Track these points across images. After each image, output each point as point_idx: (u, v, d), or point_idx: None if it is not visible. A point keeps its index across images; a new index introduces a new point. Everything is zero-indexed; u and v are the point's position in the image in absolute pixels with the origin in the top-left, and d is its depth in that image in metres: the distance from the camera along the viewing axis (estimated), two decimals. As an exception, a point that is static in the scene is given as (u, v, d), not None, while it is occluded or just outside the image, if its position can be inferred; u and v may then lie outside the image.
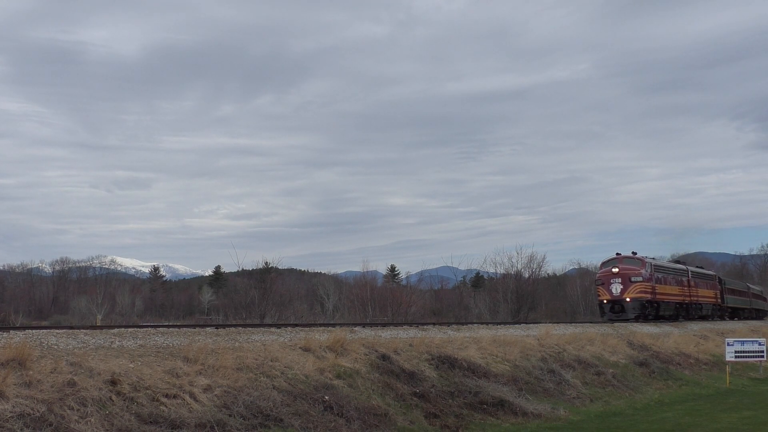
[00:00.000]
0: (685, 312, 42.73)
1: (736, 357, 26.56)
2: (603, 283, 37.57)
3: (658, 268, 39.52)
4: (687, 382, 24.82)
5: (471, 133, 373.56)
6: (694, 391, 23.23)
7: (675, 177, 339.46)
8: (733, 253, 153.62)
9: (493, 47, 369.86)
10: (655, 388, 22.81)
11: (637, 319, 36.00)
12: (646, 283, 36.85)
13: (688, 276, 44.31)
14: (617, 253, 38.76)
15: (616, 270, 37.12)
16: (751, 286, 68.28)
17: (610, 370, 22.72)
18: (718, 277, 53.84)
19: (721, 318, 51.37)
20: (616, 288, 36.65)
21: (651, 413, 18.00)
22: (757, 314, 65.32)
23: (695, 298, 44.84)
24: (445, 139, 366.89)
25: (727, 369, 26.22)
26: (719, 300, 50.82)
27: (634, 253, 38.71)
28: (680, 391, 22.97)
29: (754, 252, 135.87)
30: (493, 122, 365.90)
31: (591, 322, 35.04)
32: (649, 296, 37.10)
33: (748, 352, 26.61)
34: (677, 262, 47.05)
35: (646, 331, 33.54)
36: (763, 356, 26.59)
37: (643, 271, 37.19)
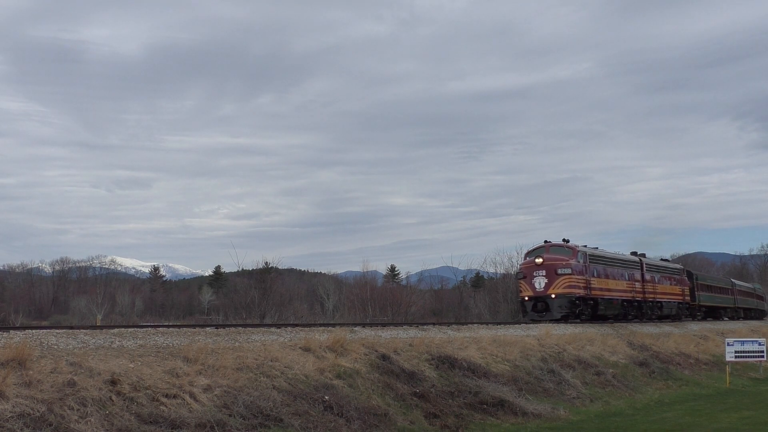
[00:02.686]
0: (637, 311, 37.38)
1: (736, 357, 26.58)
2: (525, 277, 31.77)
3: (595, 258, 33.70)
4: (687, 382, 24.83)
5: (472, 133, 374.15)
6: (694, 391, 23.23)
7: (677, 177, 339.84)
8: (733, 253, 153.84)
9: (496, 46, 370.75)
10: (655, 388, 22.82)
11: (565, 320, 30.75)
12: (577, 276, 31.14)
13: (641, 268, 38.37)
14: (546, 241, 33.02)
15: (540, 261, 31.22)
16: (737, 282, 61.98)
17: (610, 370, 22.72)
18: (688, 271, 47.92)
19: (693, 318, 46.03)
20: (540, 282, 30.95)
21: (651, 413, 18.00)
22: (746, 314, 59.99)
23: (652, 295, 38.92)
24: (446, 138, 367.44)
25: (727, 369, 26.23)
26: (688, 297, 45.04)
27: (566, 241, 32.94)
28: (680, 391, 22.98)
29: (755, 252, 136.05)
30: (495, 121, 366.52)
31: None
32: (581, 292, 31.42)
33: (748, 352, 26.62)
34: (633, 253, 40.52)
35: (646, 331, 33.55)
36: (763, 356, 26.61)
37: (573, 261, 31.35)
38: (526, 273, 31.70)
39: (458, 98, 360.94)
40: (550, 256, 31.49)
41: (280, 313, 53.72)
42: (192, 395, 11.46)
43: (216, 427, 10.76)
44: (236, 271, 78.21)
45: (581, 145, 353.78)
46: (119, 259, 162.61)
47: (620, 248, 42.15)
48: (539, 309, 30.95)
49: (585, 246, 33.69)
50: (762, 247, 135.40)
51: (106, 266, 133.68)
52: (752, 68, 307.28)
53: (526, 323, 29.36)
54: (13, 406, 9.26)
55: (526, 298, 31.58)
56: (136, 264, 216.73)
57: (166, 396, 11.11)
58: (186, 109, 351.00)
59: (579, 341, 25.28)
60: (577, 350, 23.99)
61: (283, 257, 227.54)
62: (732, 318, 55.19)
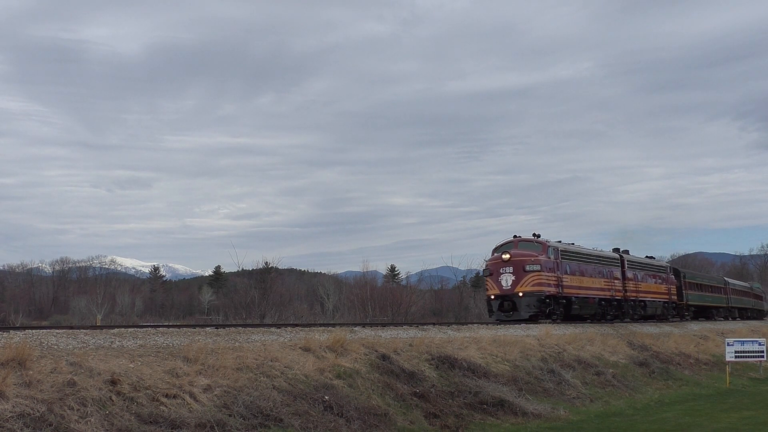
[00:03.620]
0: (616, 310, 35.40)
1: (736, 357, 26.59)
2: (491, 274, 29.81)
3: (568, 254, 31.61)
4: (687, 382, 24.85)
5: (473, 133, 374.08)
6: (694, 391, 23.25)
7: (677, 176, 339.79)
8: (733, 253, 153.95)
9: (496, 46, 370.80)
10: (655, 388, 22.83)
11: (534, 320, 28.75)
12: (547, 274, 29.19)
13: (621, 266, 36.44)
14: (515, 236, 31.03)
15: (507, 257, 29.17)
16: (730, 280, 59.95)
17: (610, 370, 22.73)
18: (675, 269, 46.06)
19: (681, 319, 44.26)
20: (507, 280, 28.96)
21: (651, 413, 18.01)
22: (741, 314, 58.30)
23: (634, 294, 37.07)
24: (447, 138, 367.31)
25: (727, 369, 26.24)
26: (675, 296, 43.22)
27: (537, 236, 30.89)
28: (680, 391, 22.99)
29: (755, 252, 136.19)
30: (496, 121, 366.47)
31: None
32: (552, 290, 29.46)
33: (748, 352, 26.64)
34: (615, 250, 38.69)
35: (646, 331, 33.57)
36: (763, 356, 26.62)
37: (542, 257, 29.40)
38: (492, 270, 29.79)
39: (459, 98, 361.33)
40: (519, 251, 29.53)
41: (280, 313, 53.77)
42: (192, 395, 11.46)
43: (216, 427, 10.76)
44: (236, 271, 78.33)
45: (582, 145, 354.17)
46: (119, 259, 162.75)
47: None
48: (506, 308, 29.08)
49: (560, 242, 32.04)
50: (762, 247, 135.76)
51: (106, 266, 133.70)
52: (753, 68, 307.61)
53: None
54: (13, 406, 9.26)
55: (492, 297, 29.68)
56: (136, 264, 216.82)
57: (166, 396, 11.11)
58: (186, 108, 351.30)
59: (579, 341, 25.29)
60: (577, 350, 24.00)
61: (283, 257, 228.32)
62: (726, 318, 53.54)
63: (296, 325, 20.48)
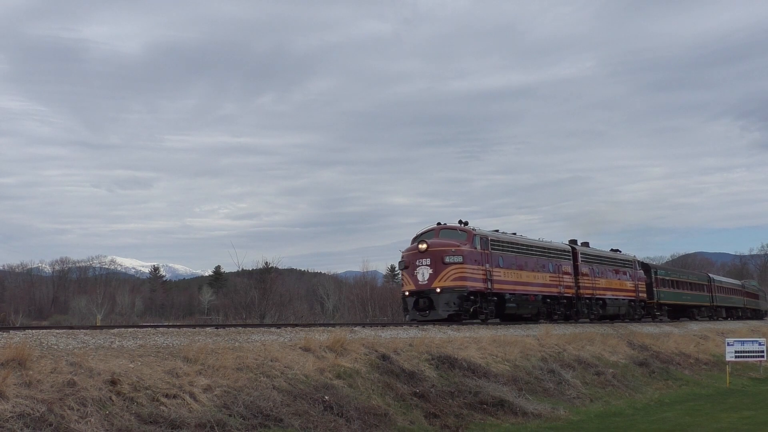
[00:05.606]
0: (567, 309, 31.50)
1: (736, 357, 26.61)
2: (407, 267, 25.43)
3: (500, 244, 27.38)
4: (687, 382, 24.86)
5: (474, 132, 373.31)
6: (694, 391, 23.26)
7: (678, 176, 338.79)
8: (733, 253, 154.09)
9: (498, 45, 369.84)
10: (655, 388, 22.85)
11: (456, 320, 24.75)
12: (471, 266, 25.05)
13: (573, 259, 32.37)
14: (438, 223, 26.81)
15: (424, 247, 24.89)
16: (716, 277, 55.79)
17: (610, 370, 22.75)
18: (644, 264, 41.84)
19: (653, 319, 40.76)
20: (423, 273, 24.76)
21: (651, 413, 18.01)
22: (730, 314, 54.93)
23: (589, 291, 33.08)
24: (447, 138, 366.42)
25: (727, 369, 26.25)
26: (644, 294, 39.39)
27: (464, 223, 26.55)
28: (680, 391, 23.00)
29: (755, 252, 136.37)
30: (497, 121, 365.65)
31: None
32: (479, 285, 25.28)
33: (748, 352, 26.65)
34: (572, 242, 34.65)
35: (646, 331, 33.60)
36: (763, 356, 26.63)
37: (466, 247, 25.16)
38: (408, 262, 25.42)
39: (460, 97, 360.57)
40: (439, 241, 25.53)
41: (280, 313, 53.78)
42: (192, 395, 11.47)
43: (216, 427, 10.76)
44: (236, 271, 78.21)
45: (583, 145, 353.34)
46: (119, 259, 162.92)
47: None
48: (422, 306, 24.89)
49: (497, 231, 28.52)
50: (762, 247, 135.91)
51: (106, 266, 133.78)
52: (755, 67, 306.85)
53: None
54: (13, 406, 9.26)
55: (407, 293, 25.58)
56: (136, 264, 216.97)
57: (166, 396, 11.12)
58: (187, 108, 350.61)
59: (579, 341, 25.31)
60: (577, 350, 24.01)
61: (283, 257, 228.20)
62: (711, 318, 50.10)
63: (296, 325, 20.49)
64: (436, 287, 24.52)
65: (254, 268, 59.68)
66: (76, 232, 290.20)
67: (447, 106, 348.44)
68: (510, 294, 27.12)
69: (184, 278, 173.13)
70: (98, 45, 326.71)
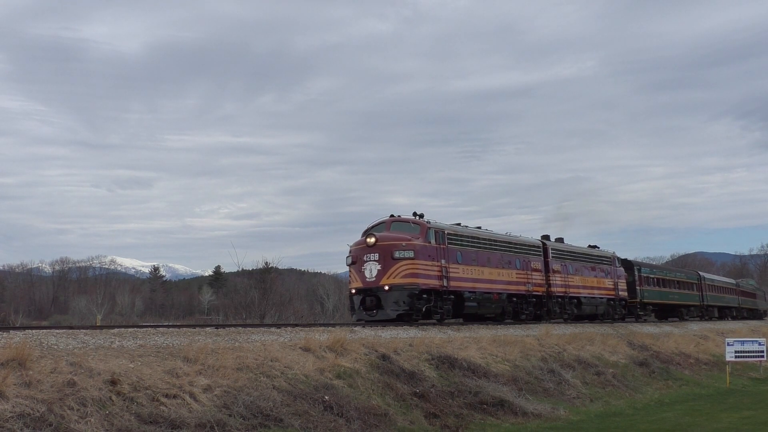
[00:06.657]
0: (537, 308, 29.58)
1: (736, 357, 26.61)
2: (354, 263, 23.49)
3: (458, 238, 25.36)
4: (687, 382, 24.86)
5: (475, 132, 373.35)
6: (694, 391, 23.26)
7: (679, 176, 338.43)
8: (733, 253, 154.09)
9: (499, 44, 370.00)
10: (655, 388, 22.85)
11: (405, 320, 22.91)
12: (424, 262, 23.04)
13: (544, 255, 30.49)
14: (391, 215, 24.69)
15: (372, 241, 23.00)
16: (707, 275, 53.54)
17: (610, 370, 22.75)
18: (627, 261, 39.49)
19: (636, 319, 38.90)
20: (371, 270, 22.85)
21: (651, 413, 18.02)
22: (723, 314, 53.26)
23: (562, 289, 31.14)
24: (448, 137, 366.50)
25: (727, 369, 26.25)
26: (625, 293, 37.39)
27: (420, 215, 24.53)
28: (680, 391, 23.00)
29: (754, 252, 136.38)
30: (497, 120, 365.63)
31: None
32: (433, 282, 23.32)
33: (748, 352, 26.66)
34: (544, 237, 32.62)
35: (646, 331, 33.60)
36: (763, 356, 26.63)
37: (418, 241, 23.18)
38: (355, 257, 23.45)
39: (461, 97, 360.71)
40: (389, 234, 23.51)
41: (280, 313, 53.74)
42: (192, 395, 11.47)
43: (216, 427, 10.76)
44: (236, 271, 78.17)
45: (583, 145, 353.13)
46: (119, 259, 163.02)
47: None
48: (369, 305, 22.92)
49: (459, 225, 26.50)
50: (762, 247, 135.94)
51: (106, 266, 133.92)
52: (756, 67, 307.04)
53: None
54: (13, 406, 9.26)
55: (353, 291, 23.62)
56: (136, 264, 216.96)
57: (166, 396, 11.12)
58: (187, 108, 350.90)
59: (579, 341, 25.32)
60: (577, 350, 24.02)
61: (283, 257, 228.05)
62: (702, 318, 48.59)
63: (296, 325, 20.48)
64: (385, 285, 22.59)
65: (254, 268, 59.61)
66: (76, 232, 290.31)
67: (447, 106, 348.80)
68: (470, 292, 25.26)
69: (184, 278, 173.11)
70: (98, 45, 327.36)
